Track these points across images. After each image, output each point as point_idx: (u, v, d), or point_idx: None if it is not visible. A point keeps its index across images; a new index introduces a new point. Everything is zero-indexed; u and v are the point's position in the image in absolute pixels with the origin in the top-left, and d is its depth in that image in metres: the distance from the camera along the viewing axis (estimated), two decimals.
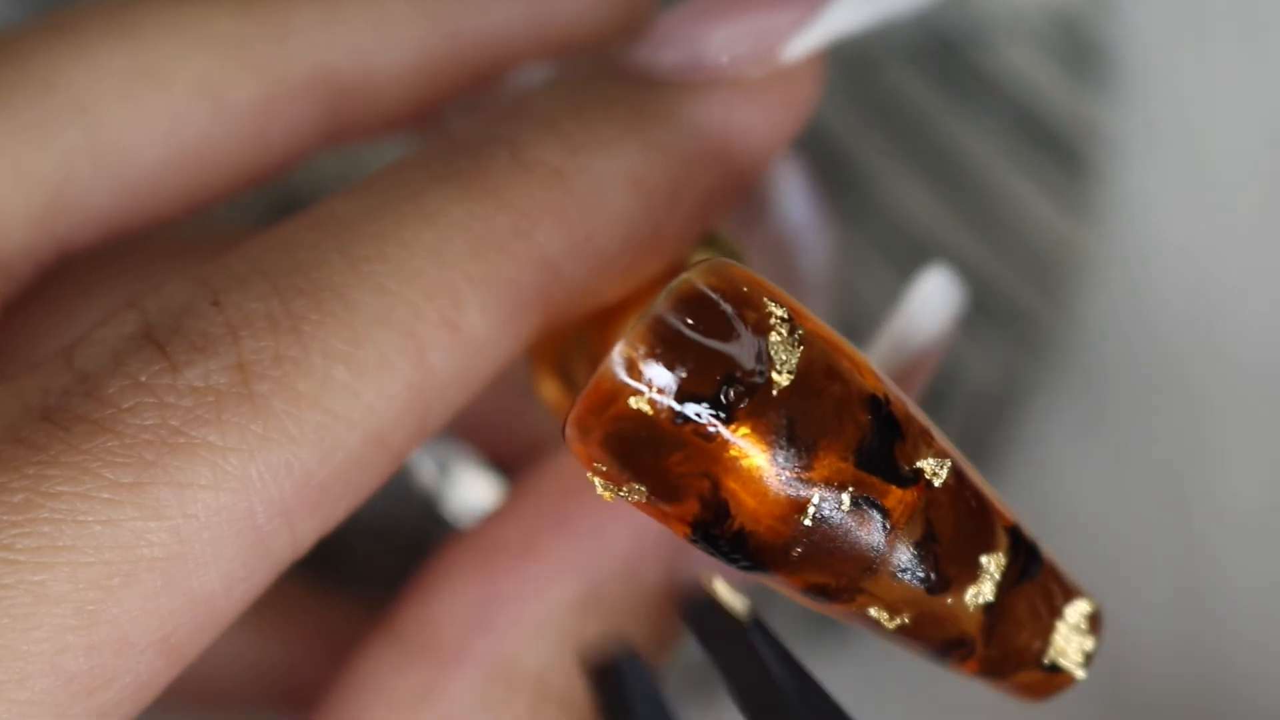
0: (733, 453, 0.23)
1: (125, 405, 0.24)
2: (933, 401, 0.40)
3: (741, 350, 0.22)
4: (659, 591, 0.27)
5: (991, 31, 0.40)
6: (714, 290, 0.23)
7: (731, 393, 0.22)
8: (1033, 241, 0.40)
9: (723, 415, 0.22)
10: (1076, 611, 0.25)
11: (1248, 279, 0.41)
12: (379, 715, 0.27)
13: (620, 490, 0.23)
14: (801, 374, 0.23)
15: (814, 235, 0.29)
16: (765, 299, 0.23)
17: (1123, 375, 0.41)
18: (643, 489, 0.23)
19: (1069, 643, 0.24)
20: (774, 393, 0.22)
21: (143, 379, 0.24)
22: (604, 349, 0.27)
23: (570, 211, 0.25)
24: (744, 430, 0.23)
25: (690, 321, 0.22)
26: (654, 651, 0.28)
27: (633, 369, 0.22)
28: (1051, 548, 0.25)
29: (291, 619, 0.34)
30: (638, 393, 0.22)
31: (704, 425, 0.22)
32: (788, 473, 0.23)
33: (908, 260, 0.39)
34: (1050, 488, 0.41)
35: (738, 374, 0.22)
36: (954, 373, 0.40)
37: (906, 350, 0.27)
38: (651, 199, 0.26)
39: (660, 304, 0.23)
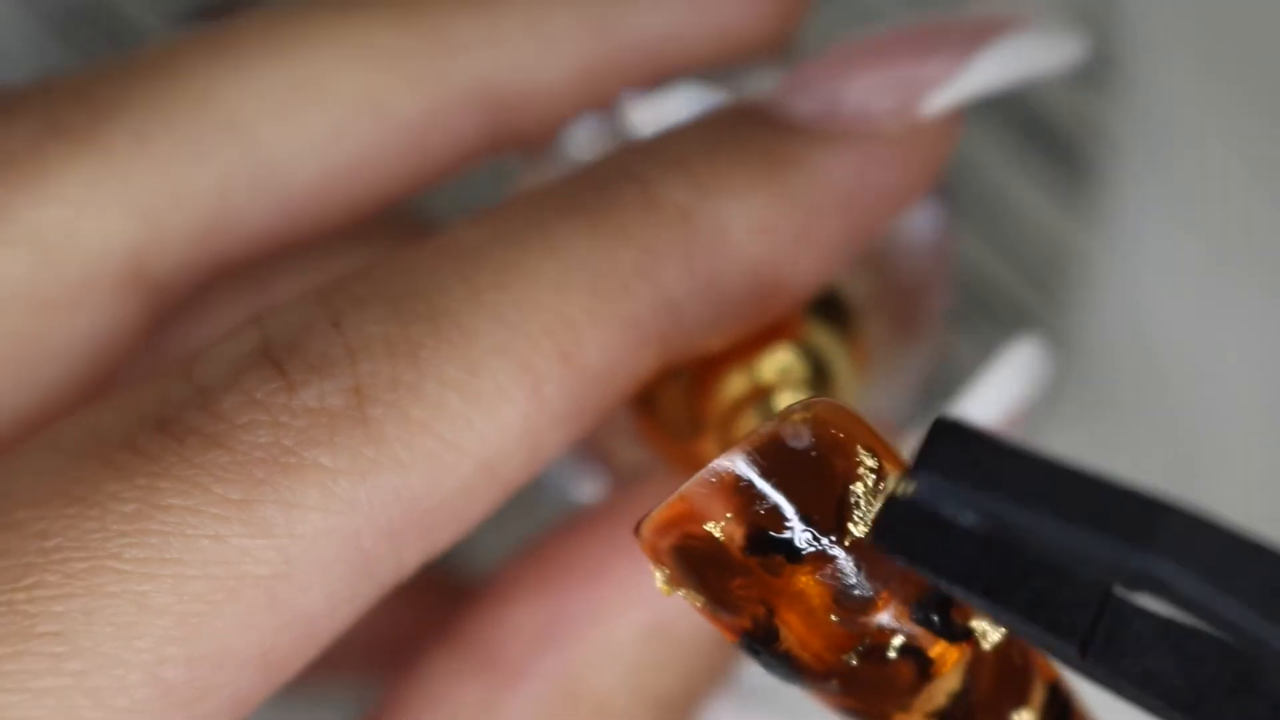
0: (795, 589, 0.23)
1: (239, 421, 0.23)
2: (930, 401, 0.40)
3: (823, 496, 0.23)
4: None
5: None
6: (810, 433, 0.23)
7: (802, 539, 0.22)
8: (1032, 242, 0.41)
9: (789, 558, 0.23)
10: None
11: (1245, 281, 0.41)
12: None
13: (679, 591, 0.23)
14: None
15: (939, 286, 0.29)
16: (858, 447, 0.23)
17: (1121, 377, 0.41)
18: (701, 599, 0.23)
19: None
20: (846, 543, 0.23)
21: (258, 396, 0.24)
22: (702, 389, 0.27)
23: (695, 253, 0.25)
24: (808, 575, 0.23)
25: (771, 468, 0.22)
26: (707, 682, 0.28)
27: (711, 499, 0.22)
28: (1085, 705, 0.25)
29: None
30: (718, 517, 0.22)
31: (771, 560, 0.23)
32: (844, 616, 0.23)
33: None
34: None
35: (815, 517, 0.22)
36: (952, 372, 0.40)
37: (987, 417, 0.28)
38: (777, 246, 0.26)
39: (762, 432, 0.22)
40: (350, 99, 0.27)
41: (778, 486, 0.22)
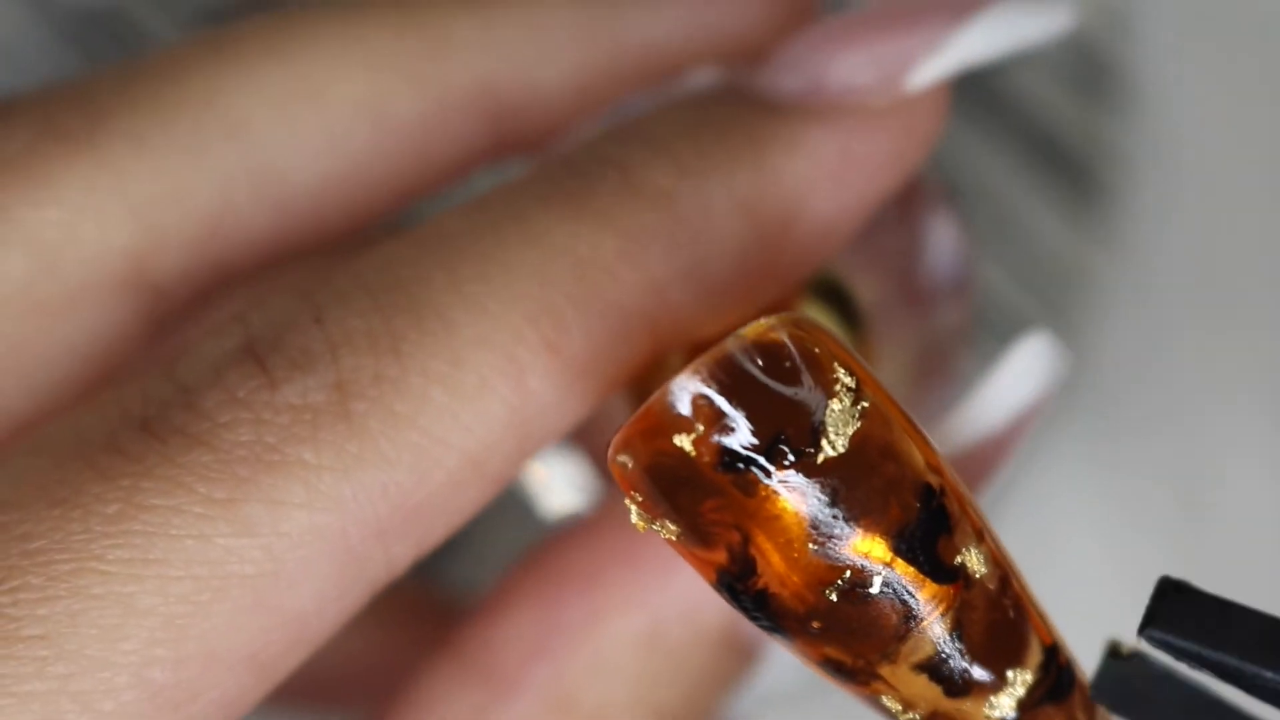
0: (768, 510, 0.22)
1: (222, 420, 0.23)
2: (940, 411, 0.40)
3: (799, 410, 0.22)
4: (720, 635, 0.27)
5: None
6: (787, 343, 0.22)
7: (779, 450, 0.22)
8: (1043, 261, 0.40)
9: (766, 471, 0.22)
10: None
11: (1258, 300, 0.41)
12: None
13: (653, 524, 0.23)
14: (855, 447, 0.22)
15: (957, 284, 0.29)
16: (836, 363, 0.22)
17: (1132, 395, 0.41)
18: (675, 528, 0.22)
19: None
20: (821, 460, 0.22)
21: (240, 394, 0.23)
22: None
23: (679, 236, 0.25)
24: (784, 491, 0.22)
25: (756, 368, 0.22)
26: (710, 697, 0.27)
27: (688, 403, 0.22)
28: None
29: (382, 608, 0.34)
30: (687, 429, 0.22)
31: (745, 477, 0.22)
32: (822, 543, 0.22)
33: None
34: (1057, 507, 0.41)
35: (790, 432, 0.22)
36: (961, 390, 0.40)
37: (997, 416, 0.27)
38: (763, 227, 0.25)
39: (730, 343, 0.22)
40: (351, 102, 0.27)
41: (751, 399, 0.22)
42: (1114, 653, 0.23)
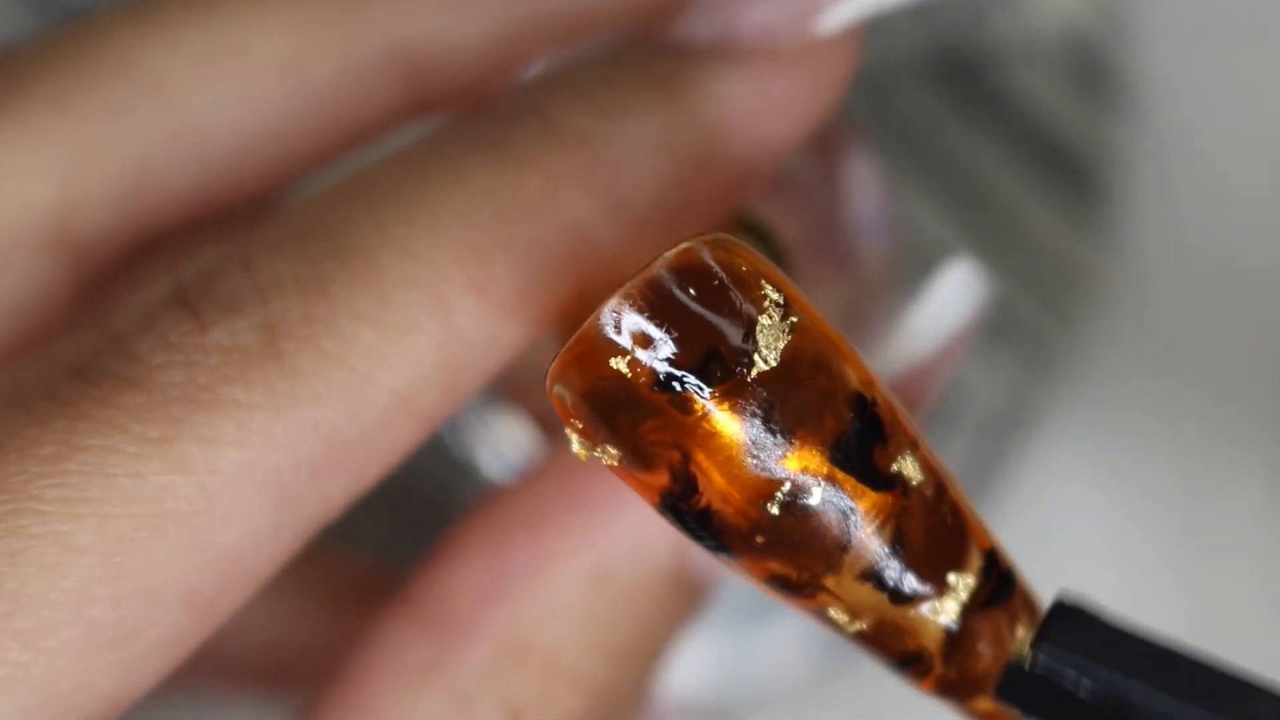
0: (706, 428, 0.22)
1: (155, 363, 0.24)
2: (943, 420, 0.40)
3: (729, 328, 0.22)
4: (669, 572, 0.27)
5: (1005, 53, 0.40)
6: (712, 263, 0.22)
7: (712, 367, 0.22)
8: (1044, 262, 0.40)
9: (700, 389, 0.22)
10: None
11: (1256, 301, 0.41)
12: (387, 686, 0.27)
13: (595, 451, 0.23)
14: (787, 361, 0.22)
15: (878, 227, 0.29)
16: (763, 281, 0.23)
17: (1132, 396, 0.41)
18: (616, 453, 0.23)
19: None
20: (754, 374, 0.22)
21: (172, 338, 0.24)
22: None
23: (598, 175, 0.25)
24: (720, 407, 0.22)
25: (683, 289, 0.22)
26: (662, 635, 0.28)
27: (619, 327, 0.22)
28: (1029, 578, 0.25)
29: (319, 588, 0.34)
30: (620, 352, 0.22)
31: (681, 396, 0.22)
32: (760, 457, 0.22)
33: (918, 277, 0.40)
34: (1058, 507, 0.41)
35: (722, 349, 0.22)
36: (964, 392, 0.40)
37: (925, 344, 0.28)
38: (681, 165, 0.26)
39: (657, 266, 0.22)
40: (269, 63, 0.27)
41: (681, 319, 0.22)
42: (1015, 662, 0.24)
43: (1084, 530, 0.41)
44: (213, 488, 0.24)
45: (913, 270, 0.40)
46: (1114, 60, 0.41)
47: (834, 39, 0.27)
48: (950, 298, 0.28)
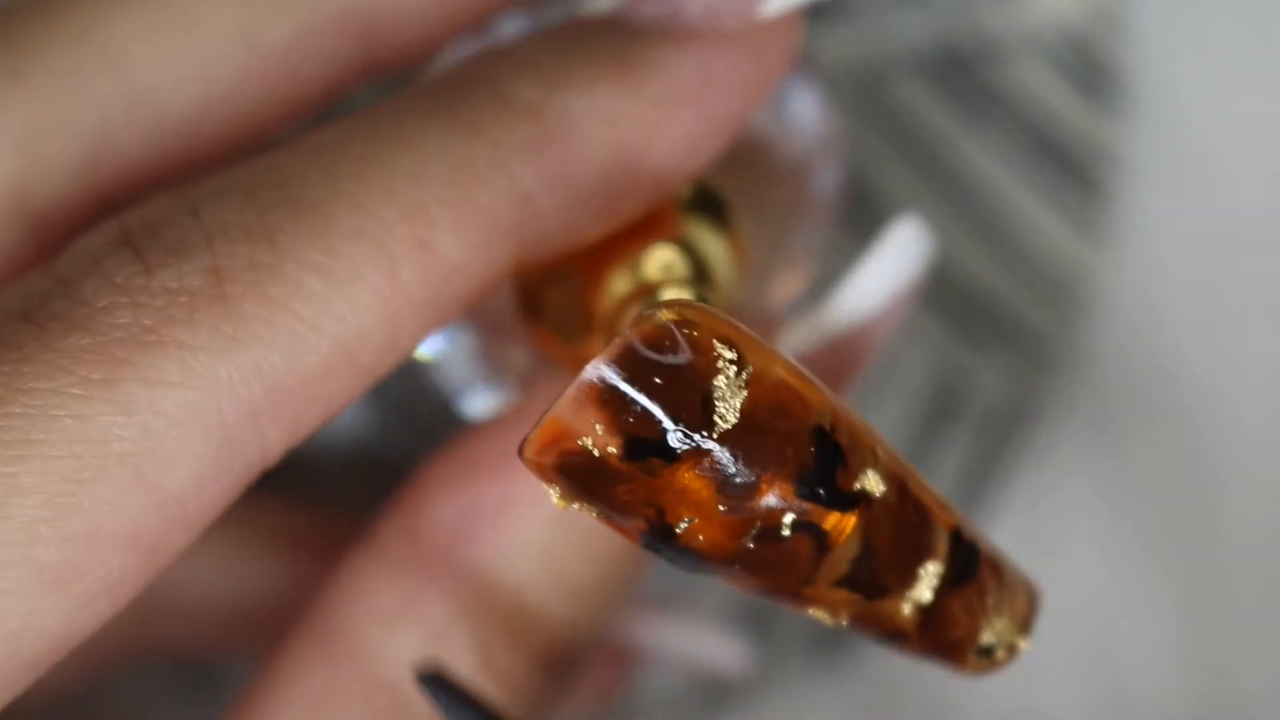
0: (676, 486, 0.23)
1: (100, 304, 0.24)
2: (943, 420, 0.40)
3: (687, 394, 0.23)
4: None
5: (1003, 50, 0.41)
6: (656, 340, 0.23)
7: (674, 439, 0.23)
8: (1042, 261, 0.40)
9: (665, 459, 0.23)
10: (1009, 605, 0.25)
11: (1255, 300, 0.41)
12: (359, 626, 0.27)
13: (573, 505, 0.24)
14: (746, 414, 0.23)
15: (826, 157, 0.30)
16: (714, 342, 0.23)
17: (1130, 394, 0.41)
18: (594, 509, 0.24)
19: (1000, 637, 0.25)
20: (716, 435, 0.23)
21: (118, 280, 0.24)
22: (588, 291, 0.27)
23: (546, 146, 0.26)
24: (687, 472, 0.23)
25: (632, 376, 0.23)
26: (625, 572, 0.29)
27: (580, 414, 0.23)
28: (993, 544, 0.25)
29: (280, 539, 0.34)
30: (588, 432, 0.23)
31: (648, 464, 0.23)
32: (730, 504, 0.23)
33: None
34: (1057, 505, 0.41)
35: (683, 416, 0.23)
36: (964, 391, 0.40)
37: (871, 298, 0.28)
38: (627, 139, 0.27)
39: (604, 356, 0.23)
40: (222, 30, 0.28)
41: (641, 392, 0.23)
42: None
43: (1081, 530, 0.41)
44: (156, 428, 0.24)
45: None
46: (1111, 57, 0.41)
47: (777, 21, 0.28)
48: (897, 252, 0.28)
